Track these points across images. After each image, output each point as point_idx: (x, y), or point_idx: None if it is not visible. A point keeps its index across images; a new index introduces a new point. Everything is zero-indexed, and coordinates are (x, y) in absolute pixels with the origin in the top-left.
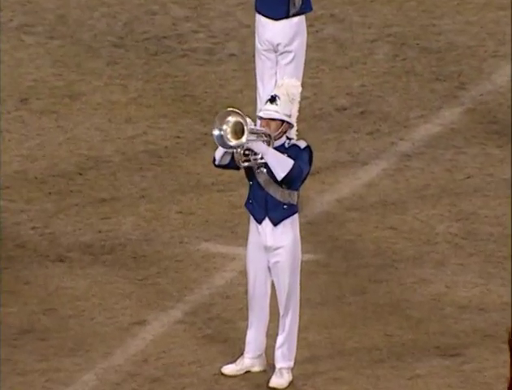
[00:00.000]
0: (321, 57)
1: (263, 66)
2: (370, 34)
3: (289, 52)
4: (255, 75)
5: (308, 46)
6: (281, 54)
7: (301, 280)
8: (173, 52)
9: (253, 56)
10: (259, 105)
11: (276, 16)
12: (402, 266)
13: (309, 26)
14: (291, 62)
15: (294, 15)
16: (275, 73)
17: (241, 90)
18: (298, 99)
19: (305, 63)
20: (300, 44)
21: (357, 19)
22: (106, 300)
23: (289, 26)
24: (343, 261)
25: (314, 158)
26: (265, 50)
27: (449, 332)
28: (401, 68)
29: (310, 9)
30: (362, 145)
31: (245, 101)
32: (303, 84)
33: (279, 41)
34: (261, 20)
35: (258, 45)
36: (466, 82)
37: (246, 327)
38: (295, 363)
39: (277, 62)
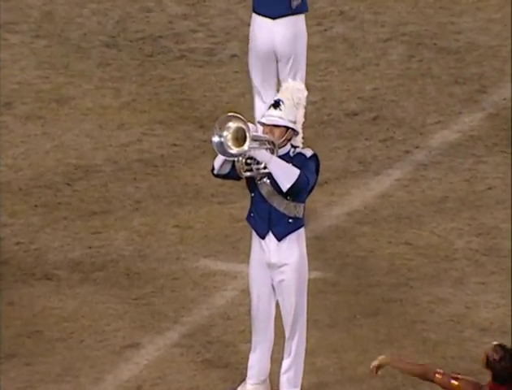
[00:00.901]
0: (330, 58)
1: (262, 71)
2: (384, 33)
3: (289, 54)
4: (251, 81)
5: (316, 46)
6: (281, 56)
7: (308, 300)
8: (170, 53)
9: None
10: (257, 114)
11: (275, 14)
12: (418, 284)
13: (317, 24)
14: (292, 64)
15: (293, 14)
16: (275, 77)
17: (243, 94)
18: (304, 104)
19: (312, 65)
20: (300, 45)
21: (370, 16)
22: (97, 321)
23: (288, 25)
24: (354, 279)
25: (321, 168)
26: (263, 53)
27: (469, 357)
28: (417, 70)
29: (307, 9)
30: (375, 154)
31: (248, 105)
32: (310, 88)
33: (279, 42)
34: (257, 21)
35: (254, 47)
36: (487, 85)
37: (249, 351)
38: None
39: (276, 66)
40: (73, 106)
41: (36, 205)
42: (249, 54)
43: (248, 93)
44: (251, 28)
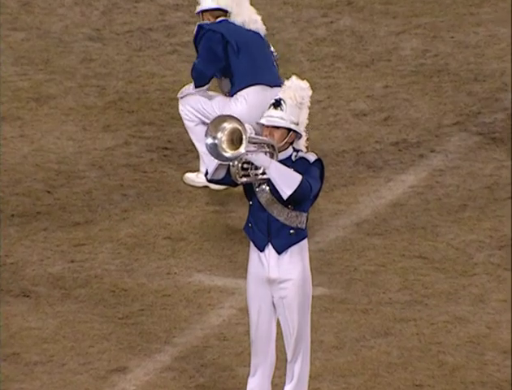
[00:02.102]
0: (336, 52)
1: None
2: (396, 25)
3: None
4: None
5: (321, 40)
6: None
7: (312, 319)
8: (160, 47)
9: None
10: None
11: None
12: (434, 302)
13: (322, 16)
14: None
15: None
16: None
17: None
18: (308, 103)
19: (317, 60)
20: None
21: (380, 7)
22: (80, 342)
23: None
24: (363, 296)
25: (326, 174)
26: None
27: (491, 382)
28: (432, 66)
29: None
30: (386, 158)
31: None
32: (315, 86)
33: None
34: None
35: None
36: (509, 82)
37: (247, 375)
38: None
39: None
40: (54, 105)
41: (12, 215)
42: None
43: None
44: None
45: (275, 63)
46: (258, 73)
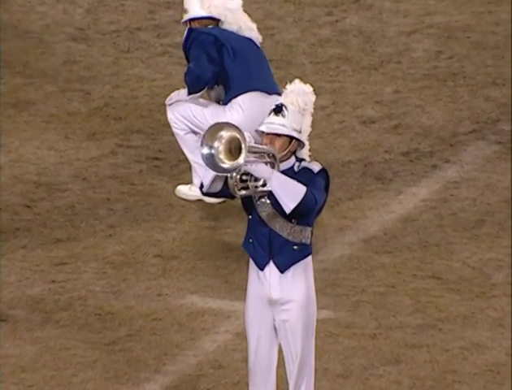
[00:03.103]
0: (342, 54)
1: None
2: (407, 25)
3: None
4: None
5: (326, 41)
6: None
7: (316, 345)
8: (150, 48)
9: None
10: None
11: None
12: (449, 326)
13: (327, 14)
14: None
15: None
16: None
17: None
18: (311, 109)
19: (322, 63)
20: None
21: (390, 5)
22: (61, 371)
23: None
24: (371, 320)
25: (332, 185)
26: None
27: None
28: (447, 69)
29: None
30: (396, 169)
31: None
32: (319, 90)
33: None
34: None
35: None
36: None
37: None
38: None
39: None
40: (33, 112)
41: None
42: None
43: None
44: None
45: (271, 72)
46: (254, 79)
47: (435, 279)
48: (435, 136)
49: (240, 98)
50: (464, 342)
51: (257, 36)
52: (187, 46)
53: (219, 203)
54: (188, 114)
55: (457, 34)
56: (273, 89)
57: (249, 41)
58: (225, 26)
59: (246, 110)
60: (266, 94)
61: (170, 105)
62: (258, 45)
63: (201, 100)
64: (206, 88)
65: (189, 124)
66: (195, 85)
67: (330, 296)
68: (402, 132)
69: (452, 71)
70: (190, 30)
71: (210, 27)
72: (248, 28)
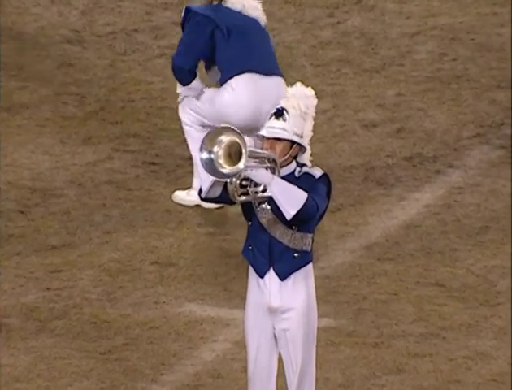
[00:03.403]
0: (344, 56)
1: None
2: (410, 26)
3: None
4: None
5: (327, 43)
6: None
7: (316, 354)
8: (147, 50)
9: None
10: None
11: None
12: (452, 335)
13: (328, 16)
14: None
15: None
16: None
17: None
18: (313, 113)
19: (322, 65)
20: None
21: (392, 6)
22: (56, 381)
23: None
24: (373, 328)
25: (333, 191)
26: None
27: None
28: (451, 71)
29: None
30: (398, 174)
31: None
32: (320, 93)
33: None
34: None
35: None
36: None
37: None
38: None
39: None
40: (28, 115)
41: None
42: None
43: None
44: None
45: (274, 54)
46: (250, 60)
47: (438, 286)
48: (438, 140)
49: (233, 80)
50: (468, 351)
51: (261, 16)
52: (183, 26)
53: (218, 209)
54: (193, 105)
55: (462, 36)
56: (272, 70)
57: (252, 20)
58: (228, 4)
59: (239, 92)
60: (263, 76)
61: (180, 102)
62: (262, 24)
63: (205, 88)
64: (195, 77)
65: (196, 116)
66: (180, 77)
67: (331, 303)
68: (405, 136)
69: (456, 73)
70: (187, 9)
71: (213, 4)
72: (252, 7)
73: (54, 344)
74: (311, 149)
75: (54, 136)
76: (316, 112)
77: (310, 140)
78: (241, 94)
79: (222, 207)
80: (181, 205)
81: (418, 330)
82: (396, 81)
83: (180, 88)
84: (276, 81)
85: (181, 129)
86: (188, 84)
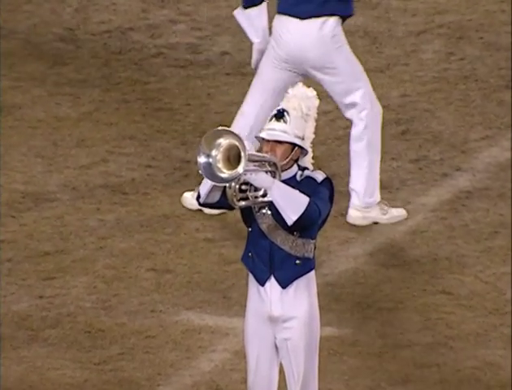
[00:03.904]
0: None
1: (275, 78)
2: (415, 24)
3: (327, 67)
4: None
5: None
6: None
7: (320, 364)
8: (143, 49)
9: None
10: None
11: (303, 15)
12: (460, 345)
13: None
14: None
15: (329, 15)
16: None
17: (236, 102)
18: (315, 115)
19: None
20: (339, 55)
21: (397, 3)
22: None
23: (321, 29)
24: (377, 338)
25: (336, 195)
26: (283, 61)
27: None
28: (458, 71)
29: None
30: (403, 178)
31: None
32: (322, 95)
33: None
34: (283, 20)
35: (272, 51)
36: None
37: None
38: None
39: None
40: (19, 116)
41: None
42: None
43: (242, 100)
44: (273, 29)
45: None
46: (287, 1)
47: (445, 294)
48: (445, 142)
49: (274, 19)
50: (476, 361)
51: None
52: None
53: (217, 214)
54: None
55: (470, 34)
56: (309, 13)
57: None
58: None
59: (272, 33)
60: (296, 19)
61: None
62: None
63: None
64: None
65: None
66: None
67: (334, 312)
68: (410, 138)
69: (463, 73)
70: None
71: None
72: None
73: (47, 354)
74: (313, 152)
75: (47, 138)
76: (318, 113)
77: (312, 142)
78: (272, 38)
79: (224, 213)
80: (186, 208)
81: (425, 339)
82: (401, 81)
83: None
84: (312, 24)
85: (178, 130)
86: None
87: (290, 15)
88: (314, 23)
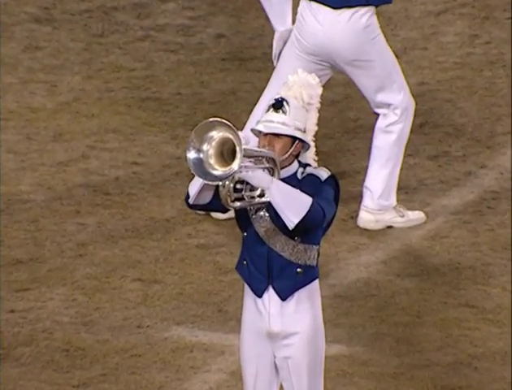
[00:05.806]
0: None
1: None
2: (435, 3)
3: (361, 60)
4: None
5: None
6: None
7: (325, 386)
8: (128, 32)
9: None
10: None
11: (337, 4)
12: (486, 365)
13: None
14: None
15: (363, 5)
16: None
17: (233, 90)
18: (317, 104)
19: None
20: (372, 47)
21: None
22: None
23: (353, 20)
24: (392, 356)
25: (344, 196)
26: (309, 53)
27: None
28: (483, 56)
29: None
30: (421, 176)
31: (240, 107)
32: (329, 82)
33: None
34: (312, 8)
35: (295, 42)
36: None
37: None
38: None
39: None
40: None
41: None
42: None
43: (240, 89)
44: (299, 16)
45: None
46: None
47: (469, 307)
48: (468, 136)
49: (300, 6)
50: (504, 383)
51: None
52: None
53: (210, 218)
54: None
55: (496, 14)
56: (343, 2)
57: None
58: None
59: (297, 22)
60: (328, 8)
61: None
62: None
63: None
64: None
65: None
66: None
67: (343, 327)
68: (429, 131)
69: (489, 58)
70: None
71: None
72: None
73: (20, 375)
74: (320, 146)
75: (20, 132)
76: (325, 104)
77: (317, 136)
78: (300, 25)
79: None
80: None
81: (446, 358)
82: (419, 68)
83: None
84: (346, 14)
85: (168, 123)
86: None
87: (322, 3)
88: (346, 13)
